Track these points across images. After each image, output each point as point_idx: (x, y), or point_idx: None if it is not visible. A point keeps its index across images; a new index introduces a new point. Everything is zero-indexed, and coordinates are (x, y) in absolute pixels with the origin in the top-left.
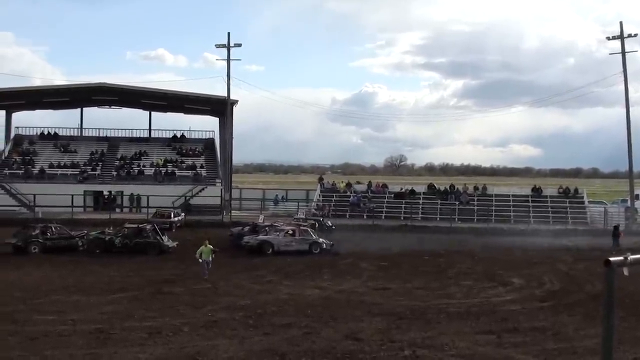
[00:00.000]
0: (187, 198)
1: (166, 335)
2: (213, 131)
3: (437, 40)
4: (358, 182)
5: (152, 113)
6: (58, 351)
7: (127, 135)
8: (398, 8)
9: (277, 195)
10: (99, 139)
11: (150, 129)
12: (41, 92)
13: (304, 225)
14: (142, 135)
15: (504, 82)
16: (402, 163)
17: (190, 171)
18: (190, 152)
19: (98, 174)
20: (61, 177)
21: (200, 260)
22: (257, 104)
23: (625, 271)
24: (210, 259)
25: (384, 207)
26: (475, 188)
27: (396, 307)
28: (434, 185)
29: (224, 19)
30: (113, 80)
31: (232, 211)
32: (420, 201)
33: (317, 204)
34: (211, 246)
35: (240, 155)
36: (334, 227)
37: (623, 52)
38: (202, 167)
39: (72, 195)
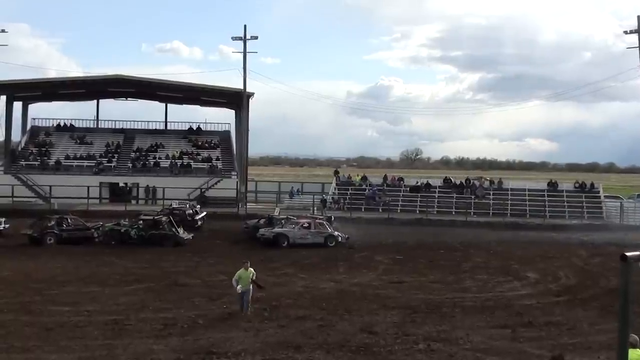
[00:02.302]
0: (203, 190)
1: (181, 327)
2: (229, 123)
3: (453, 33)
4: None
5: (168, 105)
6: (73, 342)
7: (143, 127)
8: (414, 0)
9: (292, 187)
10: (115, 131)
11: (166, 121)
12: (57, 83)
13: (320, 218)
14: (158, 128)
15: (520, 76)
16: (418, 156)
17: (206, 163)
18: (206, 145)
19: (114, 166)
20: (77, 169)
21: (239, 290)
22: (273, 97)
23: None
24: (251, 288)
25: (400, 200)
26: (491, 182)
27: (411, 301)
28: (449, 179)
29: (239, 11)
30: (128, 72)
31: (248, 204)
32: (436, 195)
33: (332, 197)
34: (252, 269)
35: (256, 147)
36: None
37: None
38: (217, 159)
39: (88, 187)
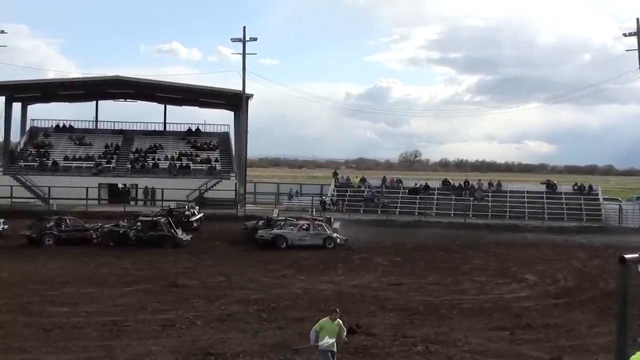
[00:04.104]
0: (202, 191)
1: (179, 328)
2: (228, 125)
3: (451, 35)
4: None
5: (167, 106)
6: (71, 343)
7: (142, 129)
8: (413, 2)
9: (291, 189)
10: (114, 132)
11: (165, 122)
12: (57, 84)
13: (319, 220)
14: (157, 129)
15: (519, 78)
16: (417, 158)
17: (204, 165)
18: (205, 146)
19: (113, 167)
20: (76, 170)
21: (320, 347)
22: (272, 98)
23: None
24: (335, 348)
25: (399, 202)
26: (490, 184)
27: (410, 303)
28: (448, 181)
29: (238, 12)
30: (127, 74)
31: (247, 205)
32: (435, 197)
33: (331, 199)
34: (340, 321)
35: (255, 149)
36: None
37: (639, 49)
38: (216, 160)
39: (87, 188)
